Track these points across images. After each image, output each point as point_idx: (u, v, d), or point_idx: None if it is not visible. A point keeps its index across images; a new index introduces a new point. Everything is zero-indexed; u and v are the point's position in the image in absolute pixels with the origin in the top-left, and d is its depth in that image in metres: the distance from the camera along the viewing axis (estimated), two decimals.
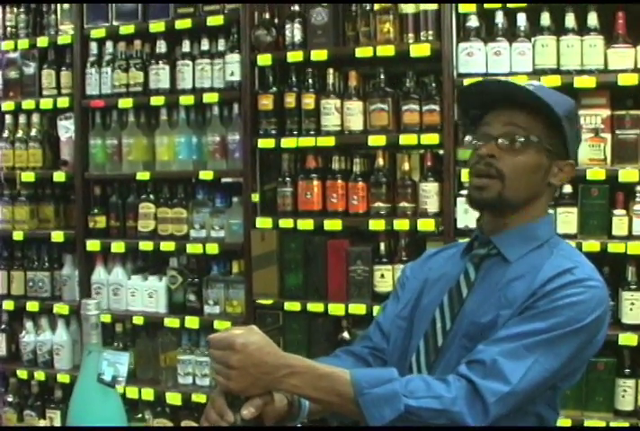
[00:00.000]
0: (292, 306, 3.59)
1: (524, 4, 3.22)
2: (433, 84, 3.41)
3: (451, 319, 1.76)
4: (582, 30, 3.20)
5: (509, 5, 3.24)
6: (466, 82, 3.26)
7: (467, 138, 1.83)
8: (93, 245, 3.98)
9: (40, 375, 4.06)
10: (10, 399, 4.14)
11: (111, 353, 1.69)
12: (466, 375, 1.58)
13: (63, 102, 4.04)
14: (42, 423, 3.61)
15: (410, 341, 1.84)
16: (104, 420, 1.69)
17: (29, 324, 4.16)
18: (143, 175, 3.88)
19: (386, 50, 3.39)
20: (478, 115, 1.83)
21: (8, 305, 4.16)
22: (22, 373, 4.12)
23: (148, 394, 3.84)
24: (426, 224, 3.40)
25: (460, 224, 3.34)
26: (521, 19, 3.26)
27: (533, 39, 3.24)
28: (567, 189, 3.24)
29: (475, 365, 1.59)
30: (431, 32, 3.35)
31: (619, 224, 3.20)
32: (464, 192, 3.31)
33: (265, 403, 1.56)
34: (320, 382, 1.55)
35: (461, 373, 1.59)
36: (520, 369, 1.58)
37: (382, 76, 3.47)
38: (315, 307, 3.55)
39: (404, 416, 1.54)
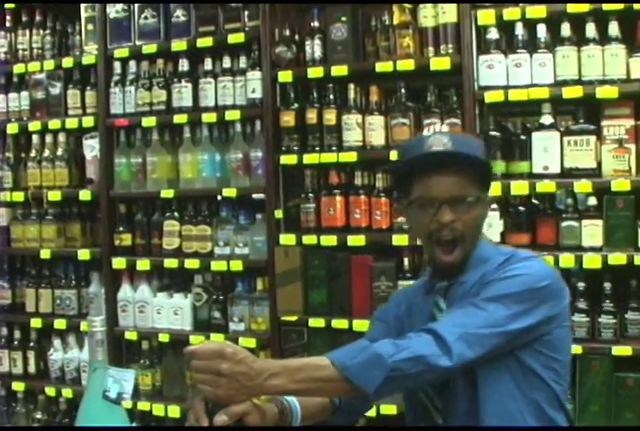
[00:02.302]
0: (316, 323, 3.57)
1: (544, 15, 3.19)
2: (454, 98, 3.38)
3: None
4: (604, 39, 3.17)
5: (528, 16, 3.21)
6: (487, 94, 3.25)
7: (404, 202, 1.95)
8: (118, 263, 4.00)
9: (67, 393, 4.09)
10: (38, 416, 4.16)
11: (116, 370, 1.69)
12: (425, 328, 1.75)
13: (88, 122, 4.08)
14: None
15: None
16: None
17: (57, 342, 4.19)
18: (167, 193, 3.90)
19: (407, 64, 3.38)
20: (405, 177, 1.95)
21: (36, 323, 4.19)
22: (51, 391, 4.14)
23: (174, 411, 3.84)
24: None
25: None
26: (541, 30, 3.23)
27: (554, 50, 3.21)
28: (592, 201, 3.21)
29: (433, 324, 1.78)
30: (450, 46, 3.34)
31: None
32: None
33: (245, 412, 1.59)
34: (298, 374, 1.62)
35: (420, 329, 1.76)
36: (472, 317, 1.75)
37: (403, 91, 3.46)
38: (339, 323, 3.53)
39: (390, 375, 1.65)
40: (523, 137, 3.29)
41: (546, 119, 3.24)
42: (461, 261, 1.90)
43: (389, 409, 3.33)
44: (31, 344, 4.27)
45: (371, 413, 3.21)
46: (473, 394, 1.83)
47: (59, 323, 4.13)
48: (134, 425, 3.87)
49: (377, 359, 1.66)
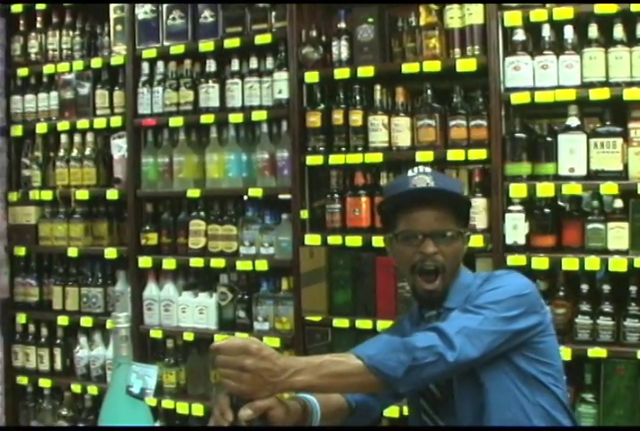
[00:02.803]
0: (341, 323, 3.57)
1: (571, 16, 3.18)
2: (480, 99, 3.38)
3: None
4: (631, 41, 3.14)
5: (555, 18, 3.19)
6: (513, 96, 3.25)
7: (388, 236, 2.09)
8: (144, 262, 4.03)
9: (93, 390, 4.12)
10: (64, 412, 4.20)
11: (140, 366, 1.71)
12: (428, 327, 1.85)
13: (116, 121, 4.12)
14: None
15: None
16: None
17: (82, 339, 4.23)
18: (194, 192, 3.92)
19: (433, 66, 3.38)
20: (390, 213, 2.09)
21: (63, 320, 4.23)
22: (76, 387, 4.18)
23: (198, 410, 3.86)
24: (475, 241, 3.29)
25: (509, 241, 3.30)
26: (568, 31, 3.22)
27: (581, 52, 3.20)
28: (618, 203, 3.19)
29: (435, 324, 1.88)
30: (477, 47, 3.34)
31: None
32: (512, 208, 3.31)
33: (269, 407, 1.62)
34: (322, 369, 1.66)
35: (425, 328, 1.87)
36: (470, 320, 1.85)
37: (429, 92, 3.45)
38: (363, 324, 3.53)
39: (411, 364, 1.72)
40: (549, 139, 3.27)
41: (573, 121, 3.22)
42: (442, 291, 2.00)
43: (393, 412, 3.34)
44: (58, 341, 4.31)
45: None
46: (476, 408, 1.92)
47: (86, 321, 4.17)
48: (157, 423, 3.91)
49: (400, 346, 1.74)
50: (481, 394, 1.90)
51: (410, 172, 2.06)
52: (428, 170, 2.07)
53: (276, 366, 1.59)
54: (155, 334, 4.01)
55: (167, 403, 3.93)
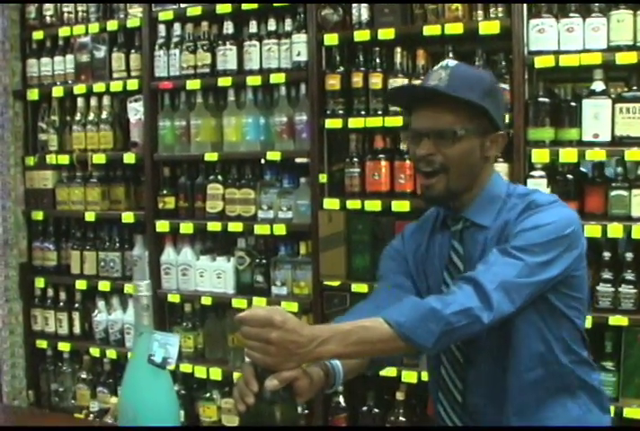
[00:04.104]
0: (359, 288, 3.55)
1: None
2: (503, 63, 3.31)
3: None
4: None
5: None
6: (537, 60, 3.19)
7: (402, 135, 2.05)
8: (162, 226, 4.01)
9: (111, 354, 4.14)
10: (84, 375, 4.23)
11: (161, 334, 1.70)
12: (465, 277, 1.78)
13: (132, 85, 4.08)
14: (114, 400, 3.67)
15: None
16: (155, 401, 1.69)
17: (101, 303, 4.24)
18: (211, 156, 3.89)
19: (455, 28, 3.31)
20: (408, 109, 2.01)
21: (81, 285, 4.24)
22: (95, 351, 4.20)
23: (216, 374, 3.88)
24: None
25: None
26: None
27: (608, 14, 3.12)
28: None
29: (476, 271, 1.78)
30: (500, 9, 3.26)
31: None
32: (535, 173, 3.26)
33: (296, 377, 1.59)
34: (351, 337, 1.63)
35: (460, 278, 1.80)
36: (509, 266, 1.77)
37: (450, 55, 3.36)
38: None
39: (444, 329, 1.67)
40: (573, 104, 3.21)
41: (598, 86, 3.16)
42: (445, 191, 1.91)
43: (410, 377, 3.39)
44: (76, 305, 4.32)
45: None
46: (503, 340, 1.88)
47: (103, 285, 4.17)
48: (176, 386, 3.93)
49: (431, 313, 1.68)
50: (507, 327, 1.86)
51: (437, 65, 1.95)
52: (452, 63, 1.93)
53: (302, 338, 1.56)
54: (173, 298, 4.00)
55: (185, 367, 3.94)
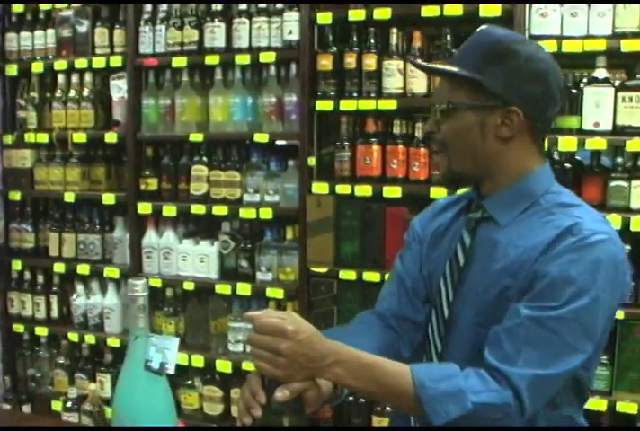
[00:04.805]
0: (347, 275, 3.47)
1: None
2: None
3: (453, 289, 1.74)
4: None
5: None
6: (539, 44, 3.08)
7: None
8: (144, 208, 3.90)
9: (90, 339, 4.03)
10: (61, 361, 4.12)
11: (158, 338, 1.58)
12: (493, 367, 1.53)
13: (116, 61, 3.93)
14: (93, 386, 3.56)
15: (429, 306, 1.83)
16: (152, 409, 1.58)
17: (79, 287, 4.12)
18: (196, 136, 3.77)
19: (454, 10, 3.20)
20: None
21: (59, 268, 4.11)
22: (73, 336, 4.08)
23: (198, 361, 3.78)
24: None
25: None
26: None
27: None
28: None
29: (503, 357, 1.53)
30: None
31: None
32: None
33: (305, 389, 1.49)
34: (367, 371, 1.50)
35: (492, 366, 1.53)
36: (542, 347, 1.53)
37: (448, 37, 3.28)
38: (370, 276, 3.43)
39: (466, 414, 1.49)
40: (574, 91, 3.11)
41: (600, 73, 3.07)
42: (447, 172, 1.74)
43: None
44: (54, 289, 4.20)
45: None
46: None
47: (82, 268, 4.05)
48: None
49: (458, 394, 1.49)
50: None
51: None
52: (480, 28, 1.75)
53: (314, 352, 1.45)
54: (154, 283, 3.89)
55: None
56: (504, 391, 1.50)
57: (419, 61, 1.76)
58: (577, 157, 3.29)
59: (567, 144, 3.07)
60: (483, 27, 1.75)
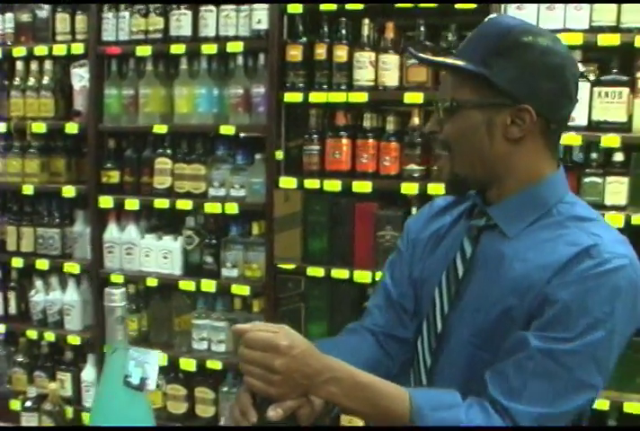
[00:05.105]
0: (315, 272, 3.40)
1: None
2: None
3: (449, 302, 1.59)
4: None
5: None
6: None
7: None
8: (105, 201, 3.79)
9: (49, 336, 3.91)
10: (20, 359, 4.00)
11: (138, 351, 1.46)
12: (496, 402, 1.41)
13: (77, 48, 3.79)
14: (53, 385, 3.46)
15: (418, 316, 1.69)
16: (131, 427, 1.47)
17: (38, 283, 3.99)
18: (160, 128, 3.66)
19: (428, 0, 3.13)
20: None
21: (17, 262, 3.97)
22: (32, 333, 3.96)
23: (162, 358, 3.67)
24: None
25: None
26: None
27: None
28: (619, 156, 3.02)
29: (508, 391, 1.41)
30: None
31: None
32: None
33: (298, 406, 1.38)
34: (363, 391, 1.39)
35: (496, 399, 1.41)
36: (549, 382, 1.40)
37: (422, 29, 3.21)
38: (339, 273, 3.36)
39: None
40: None
41: None
42: (450, 176, 1.57)
43: None
44: (12, 284, 4.06)
45: None
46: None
47: (41, 264, 3.92)
48: None
49: (455, 425, 1.39)
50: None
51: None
52: (489, 17, 1.58)
53: (309, 368, 1.35)
54: (116, 279, 3.78)
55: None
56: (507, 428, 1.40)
57: (420, 54, 1.60)
58: None
59: None
60: (491, 16, 1.59)
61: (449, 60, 1.53)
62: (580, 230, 1.48)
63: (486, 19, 1.56)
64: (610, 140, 2.94)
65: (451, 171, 1.57)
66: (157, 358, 1.45)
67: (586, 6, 2.96)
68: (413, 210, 3.30)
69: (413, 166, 3.29)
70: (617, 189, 3.00)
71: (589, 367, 1.40)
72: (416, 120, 3.29)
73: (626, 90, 2.96)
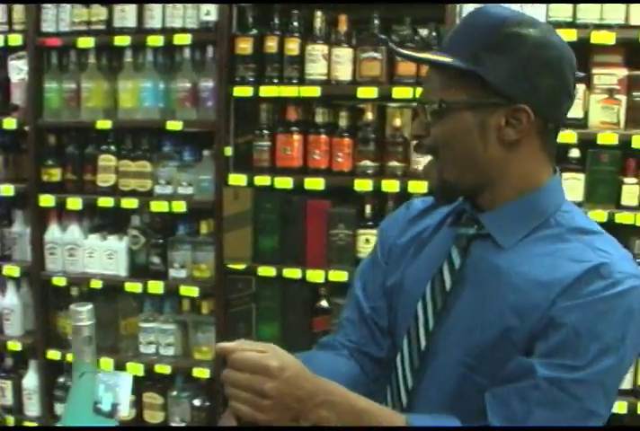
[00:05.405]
0: (266, 271, 3.32)
1: None
2: (434, 33, 3.10)
3: (434, 317, 1.45)
4: None
5: None
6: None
7: None
8: (46, 200, 3.63)
9: None
10: None
11: (108, 374, 1.33)
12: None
13: (15, 40, 3.62)
14: None
15: (395, 329, 1.56)
16: None
17: None
18: (103, 123, 3.53)
19: None
20: None
21: None
22: None
23: (107, 364, 3.54)
24: (417, 186, 3.12)
25: None
26: None
27: None
28: (575, 153, 3.00)
29: (512, 418, 1.30)
30: None
31: (629, 194, 2.98)
32: None
33: None
34: (361, 417, 1.28)
35: (493, 417, 1.31)
36: (557, 413, 1.29)
37: (376, 22, 3.14)
38: (291, 273, 3.29)
39: None
40: None
41: None
42: (439, 182, 1.43)
43: None
44: None
45: None
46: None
47: None
48: (62, 379, 3.58)
49: None
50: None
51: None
52: (476, 7, 1.43)
53: (301, 391, 1.24)
54: (58, 281, 3.64)
55: (72, 358, 3.59)
56: None
57: (402, 50, 1.47)
58: None
59: None
60: (479, 6, 1.44)
61: (436, 57, 1.40)
62: (583, 244, 1.37)
63: (473, 9, 1.43)
64: (566, 136, 2.91)
65: (439, 178, 1.43)
66: (129, 381, 1.33)
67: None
68: (367, 208, 3.24)
69: (366, 162, 3.22)
70: (573, 186, 2.98)
71: (597, 396, 1.30)
72: (369, 115, 3.23)
73: (582, 86, 2.93)
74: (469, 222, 1.47)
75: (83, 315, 1.34)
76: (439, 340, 1.44)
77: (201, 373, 3.46)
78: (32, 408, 3.71)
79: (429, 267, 1.49)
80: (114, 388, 1.31)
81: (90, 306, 1.35)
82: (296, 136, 3.28)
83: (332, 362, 1.57)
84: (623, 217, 2.93)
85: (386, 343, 1.58)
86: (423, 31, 3.16)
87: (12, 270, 3.72)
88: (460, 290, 1.43)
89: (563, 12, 2.93)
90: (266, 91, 3.26)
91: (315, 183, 3.23)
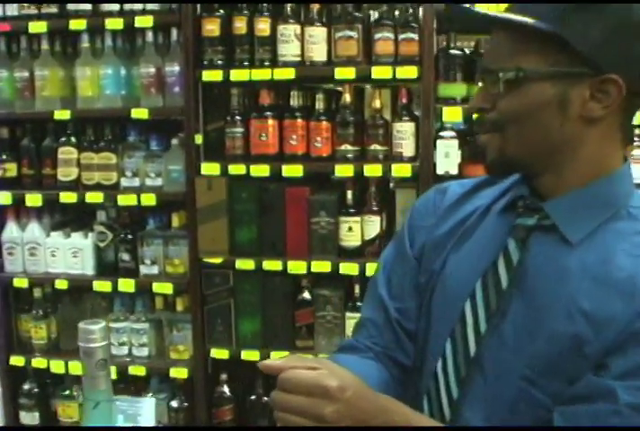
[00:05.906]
0: (244, 264, 3.19)
1: None
2: (411, 10, 2.98)
3: (486, 319, 1.28)
4: None
5: None
6: (446, 8, 2.86)
7: None
8: (2, 197, 3.44)
9: None
10: None
11: (127, 401, 1.16)
12: None
13: None
14: None
15: (429, 332, 1.38)
16: None
17: None
18: (61, 114, 3.34)
19: None
20: None
21: None
22: None
23: (76, 368, 3.37)
24: (400, 170, 3.02)
25: (440, 170, 3.00)
26: None
27: None
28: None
29: None
30: None
31: None
32: (444, 133, 3.01)
33: None
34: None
35: None
36: (600, 422, 1.14)
37: None
38: (271, 265, 3.17)
39: None
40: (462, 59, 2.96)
41: None
42: (498, 157, 1.25)
43: None
44: None
45: None
46: None
47: None
48: (27, 385, 3.40)
49: None
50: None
51: None
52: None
53: (362, 413, 1.09)
54: (20, 283, 3.45)
55: (38, 362, 3.45)
56: None
57: (468, 6, 1.22)
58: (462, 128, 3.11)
59: (452, 114, 2.92)
60: None
61: (516, 16, 1.18)
62: None
63: None
64: None
65: (500, 151, 1.24)
66: (152, 406, 1.15)
67: None
68: (349, 194, 3.12)
69: (346, 147, 3.10)
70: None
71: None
72: (348, 97, 3.10)
73: None
74: (527, 211, 1.28)
75: (95, 334, 1.15)
76: (491, 347, 1.26)
77: (178, 373, 3.31)
78: None
79: (476, 261, 1.31)
80: (135, 417, 1.14)
81: (103, 324, 1.17)
82: (270, 122, 3.14)
83: (362, 366, 1.38)
84: None
85: (412, 348, 1.42)
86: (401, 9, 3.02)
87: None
88: (518, 289, 1.25)
89: None
90: (237, 74, 3.11)
91: (293, 170, 3.10)
